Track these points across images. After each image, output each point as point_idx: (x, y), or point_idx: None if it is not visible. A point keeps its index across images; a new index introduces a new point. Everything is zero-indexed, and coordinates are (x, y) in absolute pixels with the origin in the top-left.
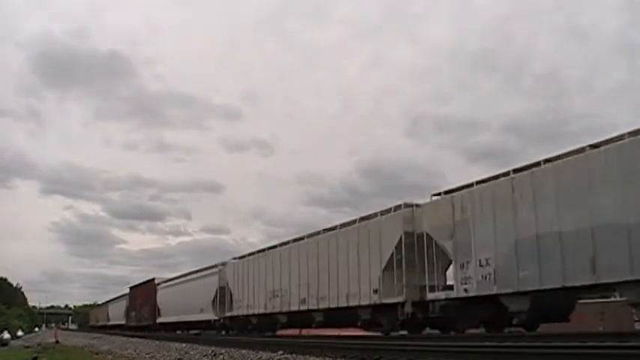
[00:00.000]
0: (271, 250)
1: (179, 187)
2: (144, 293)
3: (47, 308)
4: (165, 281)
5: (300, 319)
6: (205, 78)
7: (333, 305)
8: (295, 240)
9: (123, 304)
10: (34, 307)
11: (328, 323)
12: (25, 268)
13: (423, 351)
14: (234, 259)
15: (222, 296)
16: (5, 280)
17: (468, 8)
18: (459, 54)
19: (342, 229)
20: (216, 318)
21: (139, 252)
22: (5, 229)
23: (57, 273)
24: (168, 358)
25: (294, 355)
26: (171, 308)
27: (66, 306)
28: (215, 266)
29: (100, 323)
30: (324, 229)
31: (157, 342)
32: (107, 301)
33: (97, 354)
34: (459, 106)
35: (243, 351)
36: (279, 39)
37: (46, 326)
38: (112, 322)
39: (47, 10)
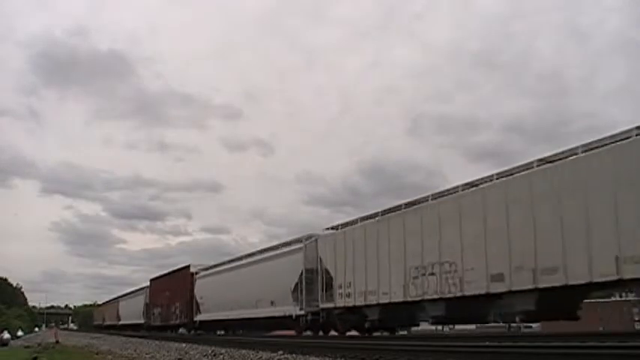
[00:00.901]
0: (419, 206)
1: (179, 187)
2: (174, 285)
3: (47, 308)
4: (207, 268)
5: (481, 308)
6: (205, 77)
7: (579, 280)
8: (467, 185)
9: (140, 300)
10: (34, 307)
11: (544, 313)
12: (25, 268)
13: (423, 351)
14: (329, 229)
15: (311, 282)
16: (5, 280)
17: (469, 8)
18: (459, 53)
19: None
20: (302, 313)
21: (139, 252)
22: (5, 229)
23: (57, 273)
24: (168, 358)
25: (294, 355)
26: (218, 303)
27: (66, 306)
28: (298, 241)
29: (108, 323)
30: (538, 160)
31: (157, 342)
32: (117, 297)
33: (97, 354)
34: (459, 106)
35: (243, 351)
36: (279, 39)
37: (46, 326)
38: (123, 322)
39: (47, 9)
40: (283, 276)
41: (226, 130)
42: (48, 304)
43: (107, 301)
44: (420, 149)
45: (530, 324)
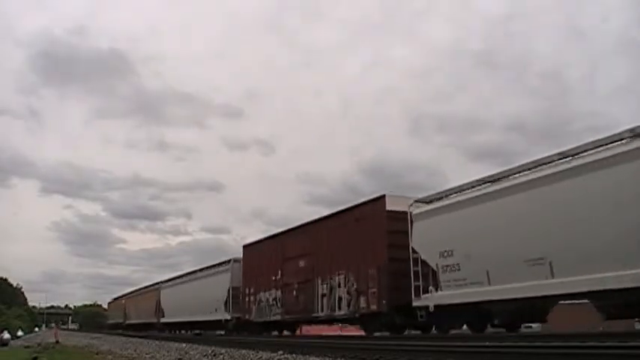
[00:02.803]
0: None
1: (179, 187)
2: (329, 243)
3: (47, 308)
4: (452, 192)
5: None
6: (206, 77)
7: None
8: None
9: (218, 284)
10: (34, 307)
11: None
12: (25, 268)
13: (423, 351)
14: None
15: None
16: (5, 280)
17: (469, 7)
18: (460, 53)
19: None
20: None
21: (138, 252)
22: (5, 229)
23: (57, 273)
24: (168, 358)
25: (294, 355)
26: (526, 258)
27: (66, 306)
28: None
29: (134, 321)
30: None
31: (157, 342)
32: (156, 284)
33: (97, 354)
34: (460, 106)
35: (243, 351)
36: (280, 38)
37: (46, 326)
38: (169, 319)
39: (47, 8)
40: None
41: (227, 130)
42: (48, 304)
43: (132, 292)
44: (420, 149)
45: (531, 324)
